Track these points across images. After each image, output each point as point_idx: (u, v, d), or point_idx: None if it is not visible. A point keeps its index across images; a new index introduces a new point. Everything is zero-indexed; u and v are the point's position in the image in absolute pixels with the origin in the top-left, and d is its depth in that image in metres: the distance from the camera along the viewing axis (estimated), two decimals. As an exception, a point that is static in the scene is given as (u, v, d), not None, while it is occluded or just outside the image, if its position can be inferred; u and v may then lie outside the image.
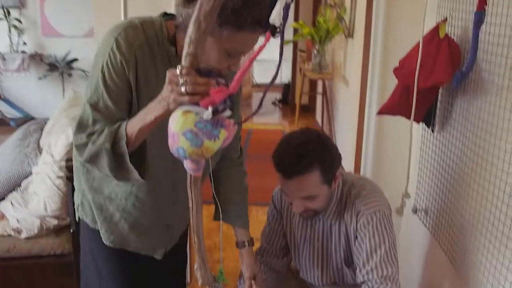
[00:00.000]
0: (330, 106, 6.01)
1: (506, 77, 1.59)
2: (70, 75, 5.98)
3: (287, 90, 8.55)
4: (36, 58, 6.02)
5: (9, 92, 6.27)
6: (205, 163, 1.22)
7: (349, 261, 1.83)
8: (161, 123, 1.24)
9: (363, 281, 1.73)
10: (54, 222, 2.46)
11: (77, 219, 1.71)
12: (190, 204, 1.28)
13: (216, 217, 1.80)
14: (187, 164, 1.19)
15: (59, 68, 5.92)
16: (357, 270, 1.76)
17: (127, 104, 1.37)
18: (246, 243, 1.83)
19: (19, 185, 2.70)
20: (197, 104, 1.12)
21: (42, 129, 3.05)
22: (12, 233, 2.43)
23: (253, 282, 1.83)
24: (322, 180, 1.65)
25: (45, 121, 3.17)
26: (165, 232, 1.69)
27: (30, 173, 2.69)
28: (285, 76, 8.74)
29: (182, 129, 1.10)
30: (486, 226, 1.72)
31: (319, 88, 6.87)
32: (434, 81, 1.88)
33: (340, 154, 1.72)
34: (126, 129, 1.29)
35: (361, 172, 3.43)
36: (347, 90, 4.78)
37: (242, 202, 1.83)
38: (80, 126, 1.36)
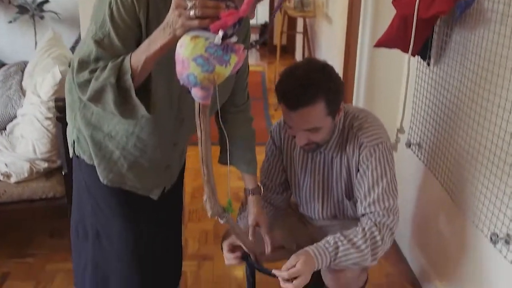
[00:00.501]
0: (312, 45, 5.94)
1: (513, 4, 1.57)
2: (41, 17, 5.72)
3: (264, 30, 8.37)
4: (4, 0, 5.74)
5: (-22, 36, 6.01)
6: (213, 92, 1.18)
7: (350, 194, 1.84)
8: (168, 52, 1.18)
9: (364, 214, 1.74)
10: (44, 165, 2.41)
11: (71, 155, 1.66)
12: (199, 134, 1.25)
13: (221, 159, 1.78)
14: (196, 92, 1.15)
15: (30, 11, 5.66)
16: (358, 202, 1.77)
17: (134, 43, 1.29)
18: (250, 192, 1.81)
19: (4, 128, 2.62)
20: (205, 29, 1.08)
21: (22, 71, 2.93)
22: (1, 177, 2.37)
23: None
24: (327, 111, 1.63)
25: (25, 63, 3.05)
26: (164, 172, 1.66)
27: (15, 116, 2.60)
28: (261, 16, 8.54)
29: (192, 54, 1.06)
30: (486, 155, 1.73)
31: (299, 28, 6.76)
32: (435, 11, 1.84)
33: (343, 84, 1.70)
34: (130, 62, 1.22)
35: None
36: (330, 28, 4.72)
37: (247, 146, 1.79)
38: (82, 64, 1.28)
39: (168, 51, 1.19)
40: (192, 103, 1.21)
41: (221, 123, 1.56)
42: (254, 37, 7.91)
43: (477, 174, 1.80)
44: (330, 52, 4.58)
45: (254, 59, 7.68)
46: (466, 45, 1.87)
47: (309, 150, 1.80)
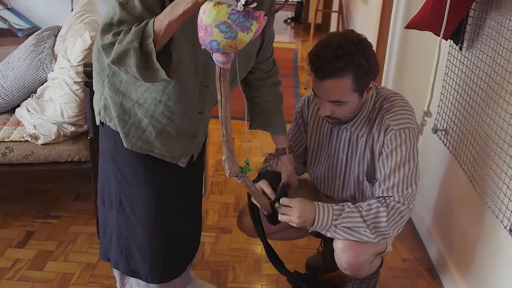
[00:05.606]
0: (346, 25, 5.85)
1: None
2: (79, -17, 5.79)
3: (300, 8, 8.31)
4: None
5: (16, 1, 6.11)
6: (233, 56, 1.21)
7: (371, 176, 1.83)
8: (192, 18, 1.20)
9: (380, 196, 1.73)
10: (71, 128, 2.45)
11: (98, 123, 1.69)
12: (219, 97, 1.30)
13: (252, 125, 1.85)
14: (218, 57, 1.19)
15: (68, -24, 5.73)
16: (376, 184, 1.76)
17: (157, 7, 1.30)
18: (287, 150, 1.86)
19: (34, 92, 2.67)
20: None
21: (55, 36, 2.97)
22: (29, 139, 2.42)
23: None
24: (354, 87, 1.61)
25: (58, 28, 3.08)
26: (191, 141, 1.68)
27: (46, 80, 2.64)
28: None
29: (216, 21, 1.09)
30: (512, 145, 1.69)
31: (334, 6, 6.67)
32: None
33: (378, 64, 1.66)
34: (153, 26, 1.24)
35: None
36: (366, 8, 4.64)
37: (276, 108, 1.85)
38: (106, 26, 1.31)
39: (191, 17, 1.20)
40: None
41: (250, 90, 1.61)
42: (288, 14, 7.82)
43: (502, 164, 1.76)
44: (364, 32, 4.51)
45: (288, 36, 7.62)
46: (500, 30, 1.81)
47: (330, 123, 1.81)
